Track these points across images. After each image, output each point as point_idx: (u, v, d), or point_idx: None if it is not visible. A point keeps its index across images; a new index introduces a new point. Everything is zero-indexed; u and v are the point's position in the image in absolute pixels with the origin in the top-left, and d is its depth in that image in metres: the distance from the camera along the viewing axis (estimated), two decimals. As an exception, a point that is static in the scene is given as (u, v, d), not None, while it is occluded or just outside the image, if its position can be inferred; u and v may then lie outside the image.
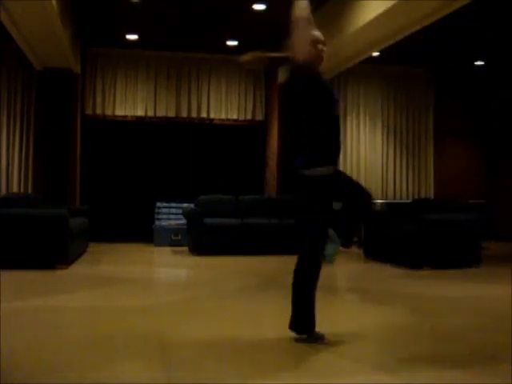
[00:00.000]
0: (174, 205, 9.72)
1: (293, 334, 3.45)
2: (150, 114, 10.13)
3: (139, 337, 3.58)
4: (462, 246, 7.07)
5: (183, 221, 8.89)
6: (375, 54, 8.86)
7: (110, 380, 2.73)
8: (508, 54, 9.59)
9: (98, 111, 10.00)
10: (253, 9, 7.93)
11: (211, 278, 6.22)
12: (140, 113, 10.11)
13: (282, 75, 9.81)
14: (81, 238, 7.59)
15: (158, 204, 9.77)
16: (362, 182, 10.64)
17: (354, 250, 9.22)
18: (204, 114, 10.33)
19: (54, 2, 6.24)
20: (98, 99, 10.00)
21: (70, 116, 9.36)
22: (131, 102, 10.07)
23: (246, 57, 3.60)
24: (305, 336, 3.41)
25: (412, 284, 5.89)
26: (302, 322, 3.43)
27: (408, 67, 10.81)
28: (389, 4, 6.00)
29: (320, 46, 3.38)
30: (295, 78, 3.38)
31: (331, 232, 3.38)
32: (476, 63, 10.32)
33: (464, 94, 11.26)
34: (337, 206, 3.36)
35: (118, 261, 7.69)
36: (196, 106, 10.30)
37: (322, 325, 4.01)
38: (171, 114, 10.21)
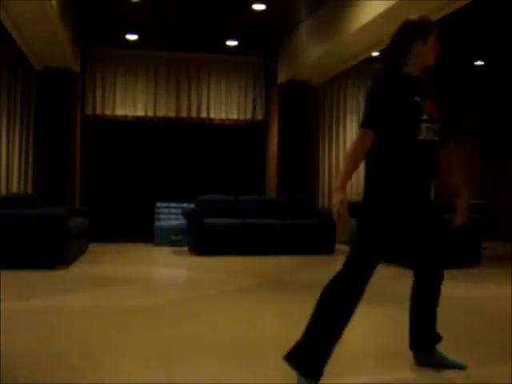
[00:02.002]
0: (173, 205, 9.72)
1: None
2: (150, 114, 10.13)
3: (139, 337, 3.58)
4: (462, 245, 7.07)
5: (183, 221, 8.88)
6: (375, 54, 8.85)
7: (109, 380, 2.73)
8: (508, 54, 9.58)
9: (98, 111, 9.99)
10: (253, 9, 7.92)
11: (211, 278, 6.22)
12: (140, 113, 10.10)
13: (281, 75, 9.82)
14: (81, 238, 7.59)
15: (158, 204, 9.77)
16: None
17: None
18: (204, 114, 10.33)
19: (53, 2, 6.24)
20: (98, 99, 9.99)
21: (70, 116, 9.36)
22: (131, 101, 10.07)
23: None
24: None
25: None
26: None
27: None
28: (389, 4, 6.00)
29: None
30: None
31: None
32: (476, 63, 10.32)
33: (464, 94, 11.25)
34: None
35: (118, 261, 7.70)
36: (196, 105, 10.29)
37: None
38: (171, 114, 10.20)
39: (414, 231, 2.85)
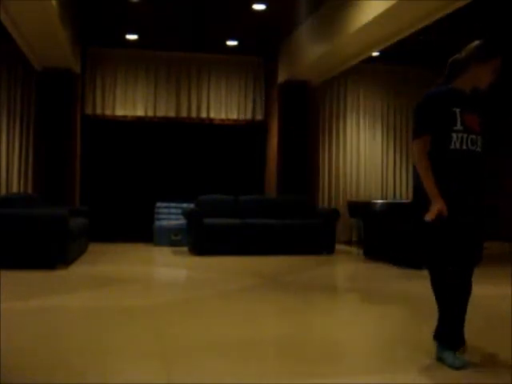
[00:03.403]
0: (173, 205, 9.72)
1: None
2: (150, 113, 10.13)
3: (139, 337, 3.58)
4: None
5: (183, 221, 8.88)
6: (375, 53, 8.85)
7: (109, 380, 2.73)
8: (508, 54, 9.57)
9: (98, 111, 9.99)
10: (253, 9, 7.92)
11: (211, 278, 6.22)
12: (140, 113, 10.10)
13: (281, 75, 9.82)
14: (81, 238, 7.59)
15: (158, 204, 9.77)
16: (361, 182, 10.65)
17: (354, 249, 9.23)
18: (204, 114, 10.33)
19: (53, 2, 6.24)
20: (98, 99, 10.00)
21: (70, 116, 9.36)
22: (131, 101, 10.07)
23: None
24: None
25: (412, 284, 5.89)
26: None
27: (408, 67, 10.81)
28: (389, 4, 6.00)
29: None
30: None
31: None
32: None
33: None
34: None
35: (118, 261, 7.69)
36: (196, 105, 10.29)
37: (322, 325, 4.01)
38: (171, 114, 10.20)
39: (450, 233, 2.97)
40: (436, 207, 2.86)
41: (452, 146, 2.92)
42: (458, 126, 2.93)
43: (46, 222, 6.45)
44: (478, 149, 2.97)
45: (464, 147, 2.93)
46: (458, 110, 2.95)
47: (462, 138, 2.93)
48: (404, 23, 6.61)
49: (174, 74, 10.20)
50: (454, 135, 2.92)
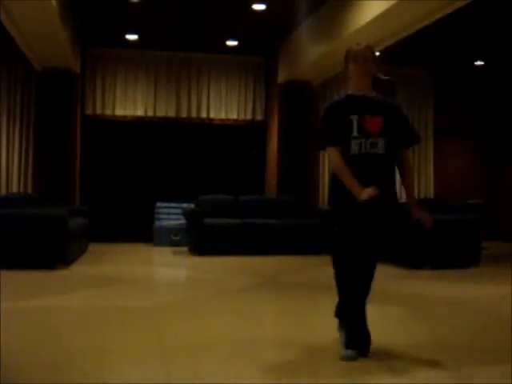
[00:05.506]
0: (173, 205, 9.72)
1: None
2: (150, 114, 10.13)
3: (139, 337, 3.58)
4: (461, 245, 7.07)
5: (183, 221, 8.88)
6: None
7: (110, 380, 2.73)
8: (508, 54, 9.58)
9: (98, 111, 9.99)
10: (253, 9, 7.92)
11: (211, 278, 6.22)
12: (140, 113, 10.10)
13: (281, 75, 9.82)
14: (81, 238, 7.59)
15: (158, 204, 9.77)
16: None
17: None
18: (204, 114, 10.32)
19: (53, 2, 6.24)
20: (98, 99, 9.99)
21: (70, 116, 9.36)
22: (131, 102, 10.07)
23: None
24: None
25: (412, 284, 5.89)
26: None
27: (408, 67, 10.80)
28: (389, 4, 6.00)
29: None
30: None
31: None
32: (476, 63, 10.32)
33: (464, 94, 11.25)
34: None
35: (118, 261, 7.70)
36: (196, 105, 10.29)
37: (322, 325, 4.01)
38: (171, 114, 10.20)
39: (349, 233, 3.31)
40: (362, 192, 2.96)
41: (351, 152, 3.03)
42: (355, 133, 3.02)
43: (45, 221, 6.45)
44: (380, 151, 3.04)
45: (362, 151, 3.02)
46: (355, 117, 3.03)
47: (360, 143, 3.02)
48: (404, 23, 6.61)
49: (174, 74, 10.20)
50: (352, 142, 3.02)
